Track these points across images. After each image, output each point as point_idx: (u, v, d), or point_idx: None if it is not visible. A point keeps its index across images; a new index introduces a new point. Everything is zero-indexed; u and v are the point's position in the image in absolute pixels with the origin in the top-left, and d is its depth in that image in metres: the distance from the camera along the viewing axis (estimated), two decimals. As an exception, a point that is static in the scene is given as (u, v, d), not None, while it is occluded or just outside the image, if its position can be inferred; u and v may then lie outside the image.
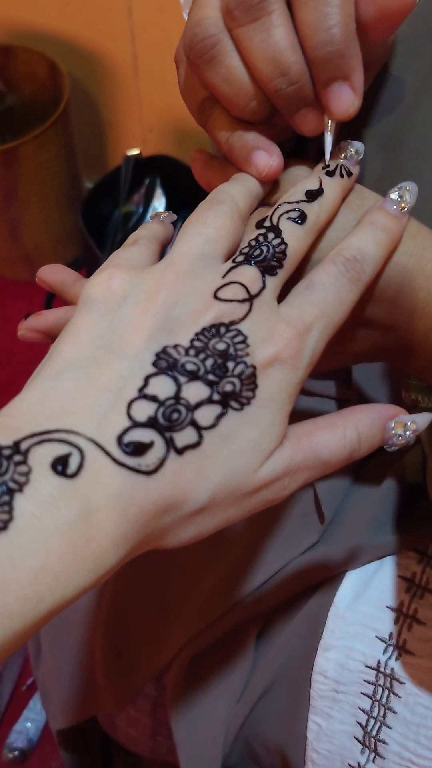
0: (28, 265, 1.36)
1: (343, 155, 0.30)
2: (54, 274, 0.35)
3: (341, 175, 0.29)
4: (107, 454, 0.21)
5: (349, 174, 0.30)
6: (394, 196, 0.29)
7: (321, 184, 0.29)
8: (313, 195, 0.28)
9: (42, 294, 1.18)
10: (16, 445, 0.20)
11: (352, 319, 0.28)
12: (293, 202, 0.28)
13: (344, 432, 0.26)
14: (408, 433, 0.27)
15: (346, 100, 0.27)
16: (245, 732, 0.45)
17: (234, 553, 0.46)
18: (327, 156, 0.29)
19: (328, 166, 0.30)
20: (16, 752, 0.94)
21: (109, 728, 0.54)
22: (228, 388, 0.23)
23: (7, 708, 0.98)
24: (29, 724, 0.96)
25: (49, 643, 0.54)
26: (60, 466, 0.20)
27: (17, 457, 0.20)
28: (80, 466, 0.20)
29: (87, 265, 1.22)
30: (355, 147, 0.30)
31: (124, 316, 0.24)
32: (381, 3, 0.26)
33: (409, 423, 0.27)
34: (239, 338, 0.24)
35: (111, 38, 1.16)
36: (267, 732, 0.44)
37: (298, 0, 0.26)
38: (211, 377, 0.23)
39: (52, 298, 1.17)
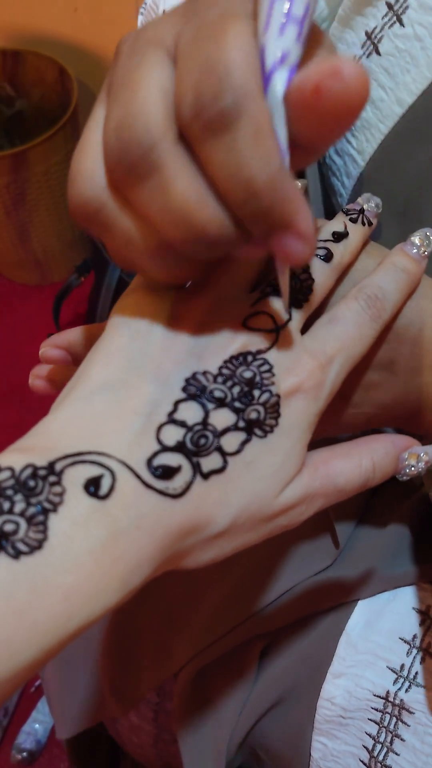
0: (37, 269, 1.36)
1: (365, 206, 0.31)
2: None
3: (363, 223, 0.30)
4: (137, 476, 0.21)
5: (370, 224, 0.31)
6: (414, 239, 0.30)
7: (346, 227, 0.29)
8: (338, 236, 0.29)
9: (51, 298, 1.18)
10: (51, 465, 0.20)
11: (371, 360, 0.29)
12: (321, 240, 0.28)
13: (360, 461, 0.27)
14: (421, 464, 0.27)
15: (292, 249, 0.21)
16: (250, 741, 0.45)
17: (242, 570, 0.46)
18: (285, 303, 0.25)
19: (352, 213, 0.30)
20: (24, 753, 0.94)
21: (115, 735, 0.54)
22: (253, 415, 0.24)
23: (15, 709, 0.98)
24: (38, 725, 0.96)
25: None
26: (92, 487, 0.20)
27: (52, 478, 0.20)
28: (111, 488, 0.20)
29: (95, 268, 1.22)
30: (375, 201, 0.31)
31: (155, 340, 0.24)
32: (322, 107, 0.18)
33: (422, 454, 0.27)
34: (265, 367, 0.24)
35: (120, 43, 1.16)
36: (272, 745, 0.44)
37: (198, 152, 0.20)
38: (237, 404, 0.23)
39: (62, 301, 1.18)
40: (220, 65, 0.18)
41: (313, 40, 0.20)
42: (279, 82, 0.19)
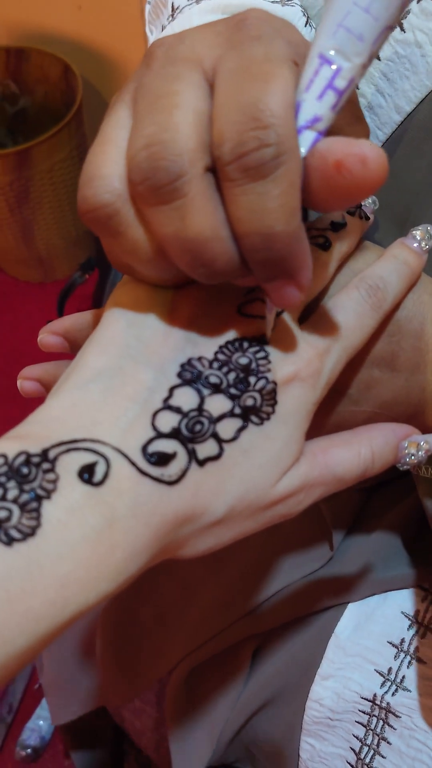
0: (40, 267, 1.36)
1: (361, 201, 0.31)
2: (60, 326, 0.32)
3: (360, 217, 0.30)
4: (132, 463, 0.21)
5: (367, 218, 0.30)
6: (416, 233, 0.30)
7: (344, 218, 0.29)
8: (337, 226, 0.29)
9: (55, 296, 1.18)
10: (45, 453, 0.20)
11: (372, 355, 0.29)
12: (319, 229, 0.28)
13: (359, 450, 0.26)
14: (421, 453, 0.27)
15: (288, 297, 0.22)
16: (243, 738, 0.46)
17: (234, 571, 0.46)
18: (267, 334, 0.25)
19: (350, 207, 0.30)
20: (29, 750, 0.94)
21: (117, 717, 0.54)
22: (249, 402, 0.23)
23: (20, 706, 0.99)
24: (42, 722, 0.96)
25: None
26: (86, 474, 0.20)
27: (45, 465, 0.20)
28: (106, 475, 0.20)
29: (99, 266, 1.22)
30: (372, 198, 0.31)
31: (151, 327, 0.24)
32: (340, 181, 0.20)
33: (422, 443, 0.27)
34: (261, 354, 0.24)
35: (123, 40, 1.16)
36: (263, 743, 0.45)
37: (227, 190, 0.20)
38: (233, 391, 0.23)
39: (65, 299, 1.18)
40: (267, 114, 0.19)
41: (348, 109, 0.21)
42: (304, 143, 0.20)
